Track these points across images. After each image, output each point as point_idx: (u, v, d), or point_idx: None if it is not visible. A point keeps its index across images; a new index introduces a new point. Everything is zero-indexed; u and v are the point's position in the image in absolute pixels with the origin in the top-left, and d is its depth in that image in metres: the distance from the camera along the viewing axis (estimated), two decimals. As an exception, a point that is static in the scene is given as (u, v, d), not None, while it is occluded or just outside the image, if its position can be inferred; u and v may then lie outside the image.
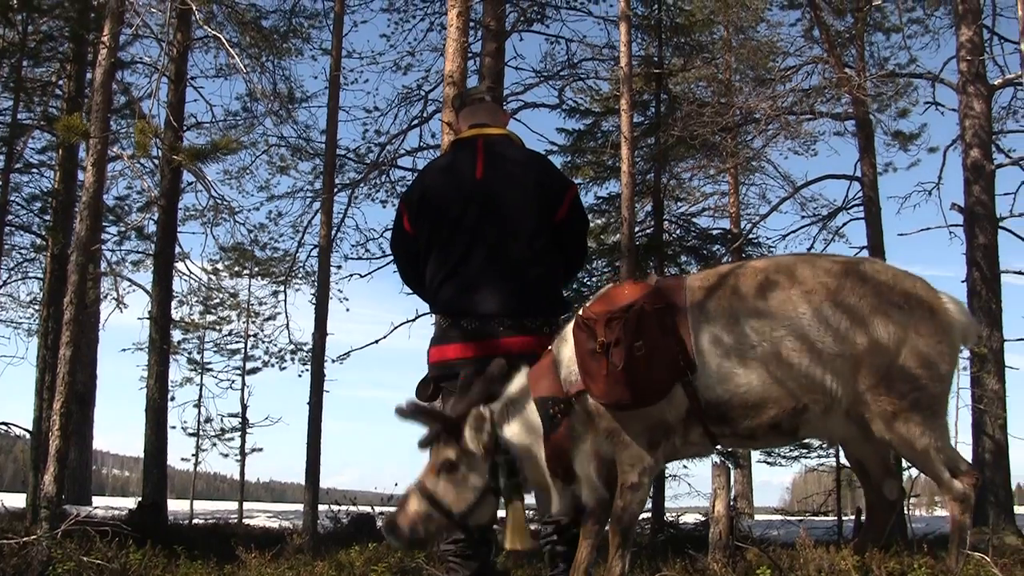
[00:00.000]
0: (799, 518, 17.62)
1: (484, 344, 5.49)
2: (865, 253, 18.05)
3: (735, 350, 5.27)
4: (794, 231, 20.91)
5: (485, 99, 6.39)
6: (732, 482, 14.15)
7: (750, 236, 20.80)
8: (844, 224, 20.67)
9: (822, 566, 4.12)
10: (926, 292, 5.84)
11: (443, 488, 4.97)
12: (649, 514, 17.48)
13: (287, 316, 21.73)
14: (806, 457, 21.91)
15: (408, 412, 5.00)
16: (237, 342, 24.69)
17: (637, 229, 18.56)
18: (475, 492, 5.01)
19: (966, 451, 17.27)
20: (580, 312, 5.10)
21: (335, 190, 17.10)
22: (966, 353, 17.33)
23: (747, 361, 5.29)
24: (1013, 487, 17.57)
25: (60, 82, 19.31)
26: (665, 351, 5.08)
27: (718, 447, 5.79)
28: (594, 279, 20.41)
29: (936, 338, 5.67)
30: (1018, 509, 18.53)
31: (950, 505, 5.62)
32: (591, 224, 21.14)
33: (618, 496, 5.20)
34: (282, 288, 21.76)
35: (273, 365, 23.69)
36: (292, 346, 22.54)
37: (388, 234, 19.35)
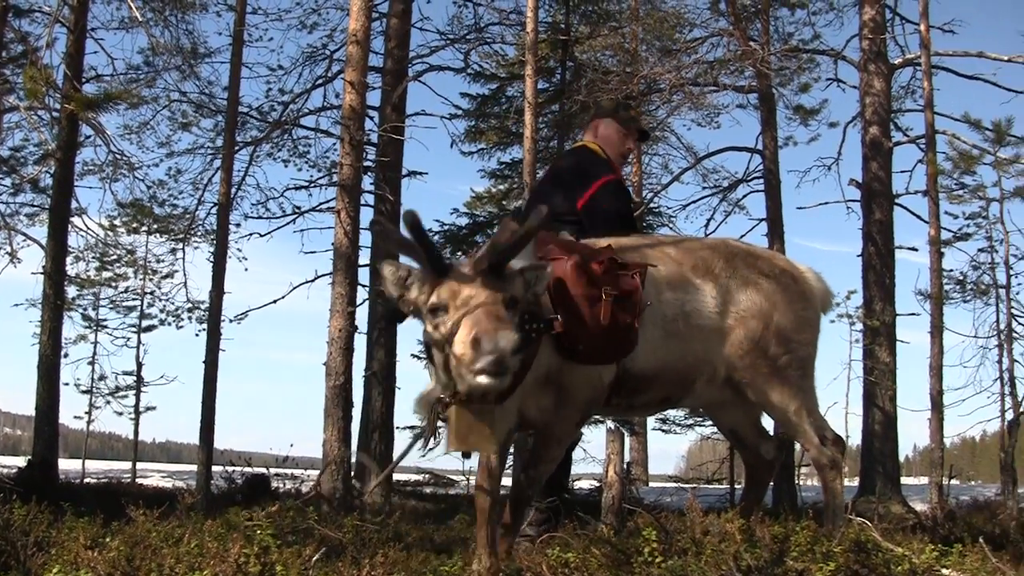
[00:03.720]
0: (692, 485, 17.85)
1: None
2: (764, 226, 18.28)
3: (658, 323, 5.39)
4: (695, 202, 21.15)
5: (603, 119, 7.21)
6: (626, 448, 14.29)
7: (651, 206, 20.97)
8: (744, 196, 20.94)
9: (708, 529, 4.20)
10: (787, 263, 6.11)
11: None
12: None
13: (185, 274, 21.51)
14: (701, 425, 22.27)
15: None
16: (133, 299, 24.42)
17: (539, 195, 18.60)
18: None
19: (856, 422, 17.64)
20: (578, 257, 5.09)
21: (236, 148, 16.95)
22: (858, 326, 17.69)
23: (667, 334, 5.43)
24: (901, 458, 17.96)
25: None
26: (633, 315, 5.18)
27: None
28: (495, 243, 20.45)
29: (801, 304, 5.94)
30: (904, 479, 18.96)
31: (820, 472, 5.80)
32: (494, 190, 21.24)
33: (533, 465, 5.22)
34: (181, 246, 21.49)
35: (170, 323, 23.48)
36: (189, 304, 22.34)
37: (289, 193, 19.30)
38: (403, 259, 4.73)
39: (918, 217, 18.23)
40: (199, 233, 21.32)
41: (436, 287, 4.39)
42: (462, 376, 4.20)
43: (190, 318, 22.70)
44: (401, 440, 19.84)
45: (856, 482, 17.19)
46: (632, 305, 5.11)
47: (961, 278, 17.39)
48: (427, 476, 20.42)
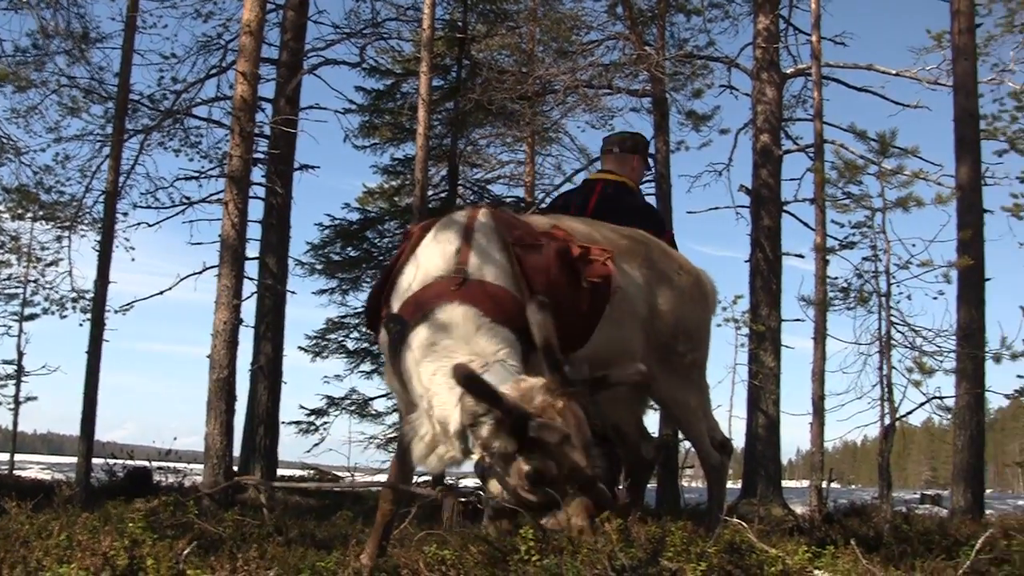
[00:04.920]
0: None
1: None
2: (654, 229, 18.43)
3: None
4: (586, 201, 21.14)
5: (614, 151, 7.55)
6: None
7: (543, 207, 21.04)
8: (638, 199, 21.05)
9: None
10: (689, 263, 6.16)
11: None
12: (430, 478, 17.62)
13: (70, 262, 21.03)
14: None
15: None
16: (16, 287, 23.90)
17: (431, 193, 18.62)
18: None
19: (740, 425, 17.85)
20: (558, 243, 5.04)
21: (126, 136, 16.65)
22: (745, 330, 17.92)
23: (604, 319, 5.35)
24: (783, 461, 18.24)
25: None
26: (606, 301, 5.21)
27: None
28: (385, 240, 20.41)
29: (703, 305, 6.01)
30: (787, 483, 19.26)
31: (707, 473, 5.88)
32: (386, 186, 21.16)
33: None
34: (67, 233, 21.04)
35: (53, 312, 22.98)
36: (74, 293, 21.89)
37: (179, 183, 19.00)
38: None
39: (805, 224, 18.50)
40: (86, 221, 20.90)
41: (529, 451, 4.11)
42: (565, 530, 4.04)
43: (75, 307, 22.24)
44: (286, 435, 19.70)
45: (740, 484, 17.42)
46: (606, 291, 5.12)
47: (846, 286, 17.65)
48: (311, 472, 20.29)
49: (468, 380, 4.05)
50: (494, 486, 4.24)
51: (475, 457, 4.33)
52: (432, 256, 4.94)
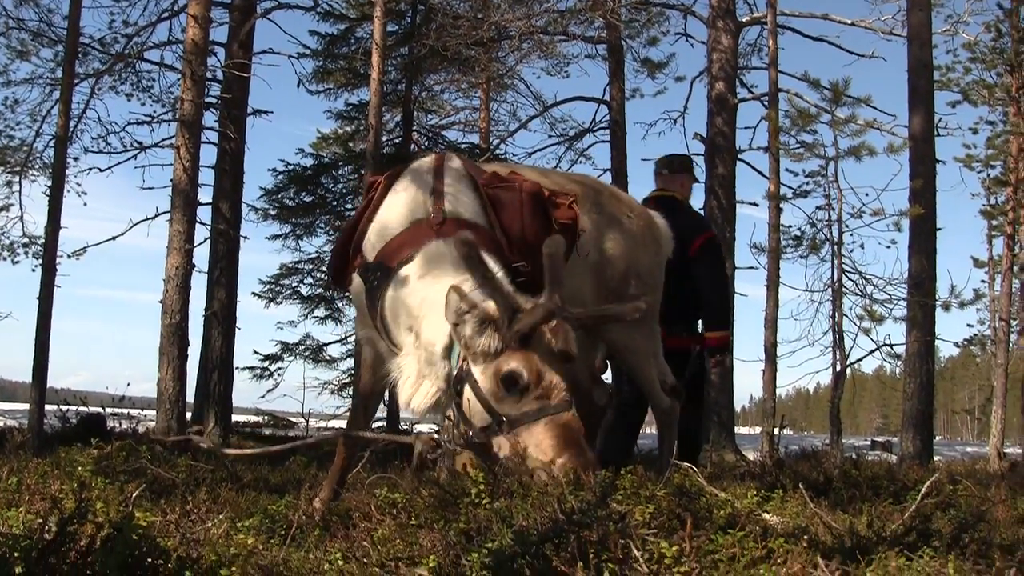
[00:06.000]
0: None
1: None
2: (609, 176, 18.46)
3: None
4: (541, 149, 21.12)
5: (664, 172, 8.13)
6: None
7: (498, 152, 21.00)
8: (590, 146, 21.10)
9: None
10: (642, 207, 6.15)
11: None
12: (384, 422, 17.69)
13: (21, 208, 20.79)
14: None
15: None
16: (-34, 233, 23.63)
17: (385, 139, 18.55)
18: None
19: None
20: (531, 184, 5.04)
21: (77, 80, 16.44)
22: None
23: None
24: (737, 408, 18.39)
25: None
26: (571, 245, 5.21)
27: None
28: (339, 185, 20.34)
29: (655, 248, 6.00)
30: (740, 429, 19.45)
31: (657, 417, 5.91)
32: (340, 131, 21.04)
33: None
34: (17, 179, 20.81)
35: (4, 258, 22.74)
36: (25, 239, 21.67)
37: (131, 128, 18.80)
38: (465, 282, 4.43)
39: (760, 173, 18.64)
40: (37, 166, 20.67)
41: (511, 351, 4.19)
42: (521, 467, 4.10)
43: (26, 253, 21.99)
44: (240, 381, 19.64)
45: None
46: (574, 234, 5.12)
47: (799, 234, 17.75)
48: (266, 418, 20.28)
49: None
50: (467, 399, 4.29)
51: (454, 374, 4.36)
52: (406, 201, 4.94)
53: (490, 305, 4.22)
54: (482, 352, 4.18)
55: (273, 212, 20.16)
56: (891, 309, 15.82)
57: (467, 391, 4.28)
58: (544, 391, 4.15)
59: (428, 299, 4.50)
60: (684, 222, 7.30)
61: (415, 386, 4.64)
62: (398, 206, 4.95)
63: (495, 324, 4.18)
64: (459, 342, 4.27)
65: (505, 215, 4.87)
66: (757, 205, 19.22)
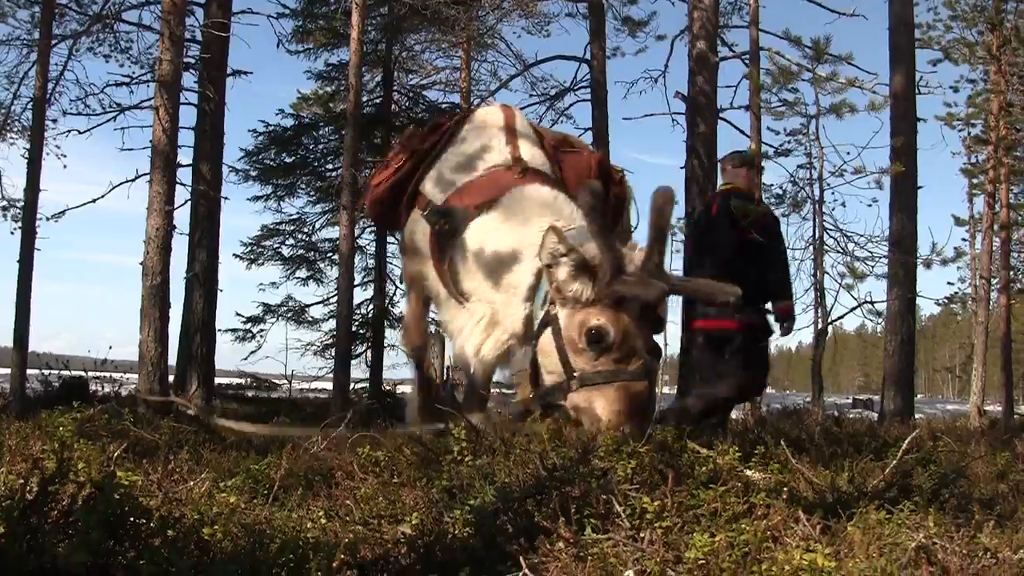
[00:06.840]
0: (512, 391, 18.09)
1: None
2: (590, 135, 18.42)
3: None
4: (522, 108, 20.98)
5: (728, 168, 9.05)
6: (447, 351, 14.20)
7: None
8: (571, 105, 20.99)
9: (514, 429, 4.31)
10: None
11: None
12: (367, 383, 17.71)
13: (-1, 171, 20.74)
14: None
15: None
16: (-56, 196, 23.49)
17: (366, 99, 18.47)
18: None
19: (675, 331, 18.03)
20: (602, 153, 5.17)
21: (54, 41, 16.32)
22: (680, 236, 18.04)
23: None
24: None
25: None
26: None
27: None
28: (320, 146, 20.27)
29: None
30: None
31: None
32: (321, 92, 20.93)
33: None
34: (-6, 142, 20.71)
35: (-16, 222, 22.68)
36: (4, 202, 21.54)
37: (110, 89, 18.67)
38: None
39: (741, 132, 18.57)
40: (15, 129, 20.49)
41: (604, 306, 4.18)
42: (584, 423, 4.15)
43: (5, 216, 21.83)
44: (223, 343, 19.57)
45: (675, 389, 17.61)
46: (621, 208, 5.22)
47: (780, 192, 17.75)
48: (249, 379, 20.27)
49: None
50: (543, 346, 4.32)
51: (537, 320, 4.38)
52: (481, 149, 4.98)
53: (589, 249, 4.22)
54: (573, 297, 4.19)
55: (254, 173, 20.07)
56: (872, 267, 15.86)
57: (545, 337, 4.32)
58: (625, 355, 4.16)
59: (517, 242, 4.53)
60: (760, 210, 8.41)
61: (485, 332, 4.65)
62: (472, 153, 5.00)
63: (592, 273, 4.18)
64: (550, 284, 4.29)
65: (572, 176, 4.92)
66: (739, 164, 19.23)
